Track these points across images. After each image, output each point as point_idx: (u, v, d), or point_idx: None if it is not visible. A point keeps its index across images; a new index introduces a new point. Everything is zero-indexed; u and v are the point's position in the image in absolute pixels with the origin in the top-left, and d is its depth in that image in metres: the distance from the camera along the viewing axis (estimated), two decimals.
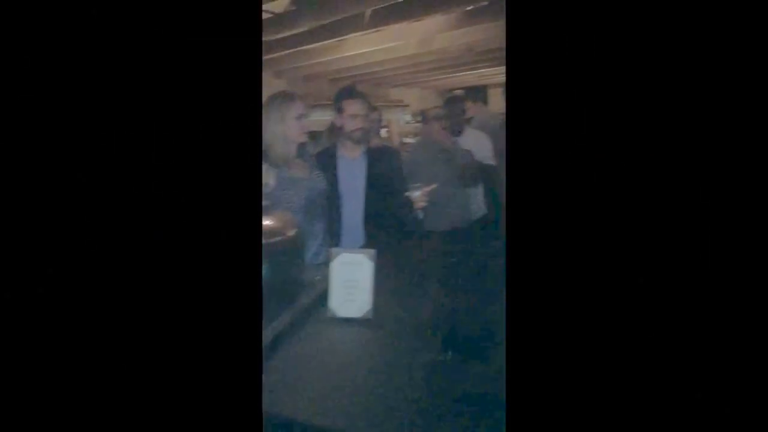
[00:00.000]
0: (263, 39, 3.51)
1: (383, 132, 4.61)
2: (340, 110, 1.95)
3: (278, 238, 1.17)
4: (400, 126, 6.60)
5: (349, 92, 2.02)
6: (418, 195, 1.91)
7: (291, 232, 1.19)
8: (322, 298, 1.14)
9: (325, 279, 1.15)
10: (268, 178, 1.61)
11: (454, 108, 2.88)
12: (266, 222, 1.19)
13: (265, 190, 1.58)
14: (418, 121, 6.79)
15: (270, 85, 4.97)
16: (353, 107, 1.95)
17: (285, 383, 0.82)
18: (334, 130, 2.02)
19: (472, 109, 3.35)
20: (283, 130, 1.64)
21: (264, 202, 1.51)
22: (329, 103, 2.10)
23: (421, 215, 2.02)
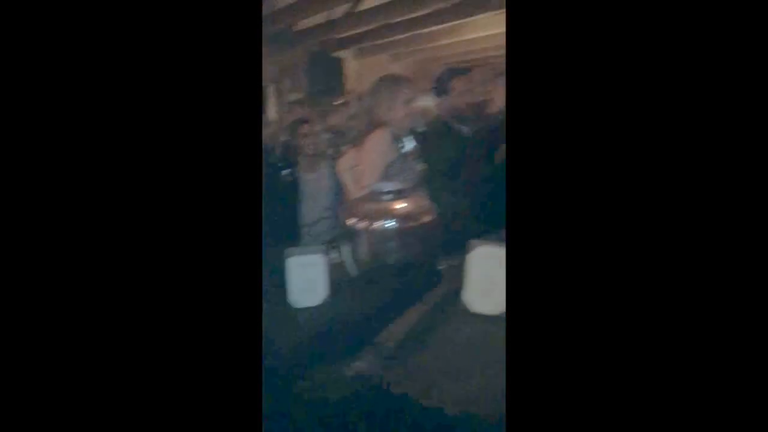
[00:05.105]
0: (389, 21, 3.52)
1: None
2: (448, 90, 1.94)
3: (413, 223, 1.14)
4: None
5: (455, 71, 2.00)
6: None
7: (427, 218, 1.15)
8: (458, 290, 1.09)
9: (458, 270, 1.11)
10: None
11: None
12: (402, 205, 1.16)
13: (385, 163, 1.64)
14: None
15: (386, 69, 5.01)
16: (460, 84, 1.94)
17: (416, 368, 0.80)
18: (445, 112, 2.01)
19: None
20: (391, 113, 1.64)
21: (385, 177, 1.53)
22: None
23: None
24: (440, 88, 1.97)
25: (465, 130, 2.00)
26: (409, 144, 1.91)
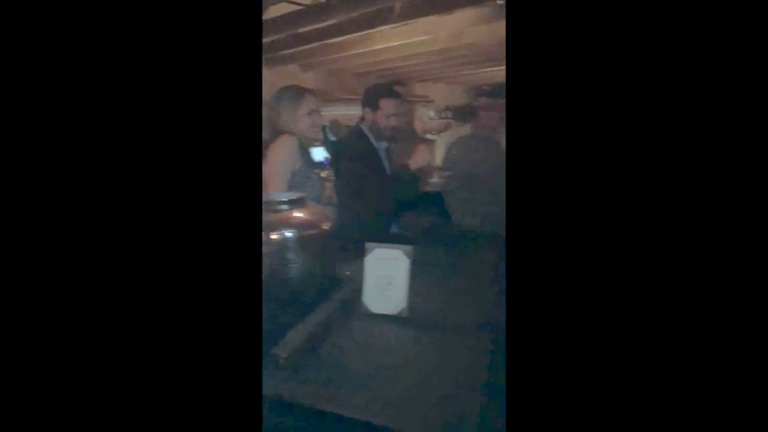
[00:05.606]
0: (295, 31, 3.51)
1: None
2: (375, 107, 1.96)
3: (312, 231, 1.16)
4: (423, 122, 6.55)
5: (387, 90, 2.02)
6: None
7: (325, 226, 1.17)
8: (358, 293, 1.12)
9: (358, 273, 1.14)
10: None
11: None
12: (299, 214, 1.17)
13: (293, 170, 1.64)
14: (442, 117, 6.74)
15: (296, 78, 4.99)
16: (390, 106, 1.95)
17: (316, 377, 0.81)
18: (365, 125, 2.04)
19: None
20: (294, 124, 1.66)
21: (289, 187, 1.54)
22: (356, 98, 2.12)
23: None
24: (370, 101, 2.01)
25: (383, 145, 2.05)
26: (319, 154, 1.92)
